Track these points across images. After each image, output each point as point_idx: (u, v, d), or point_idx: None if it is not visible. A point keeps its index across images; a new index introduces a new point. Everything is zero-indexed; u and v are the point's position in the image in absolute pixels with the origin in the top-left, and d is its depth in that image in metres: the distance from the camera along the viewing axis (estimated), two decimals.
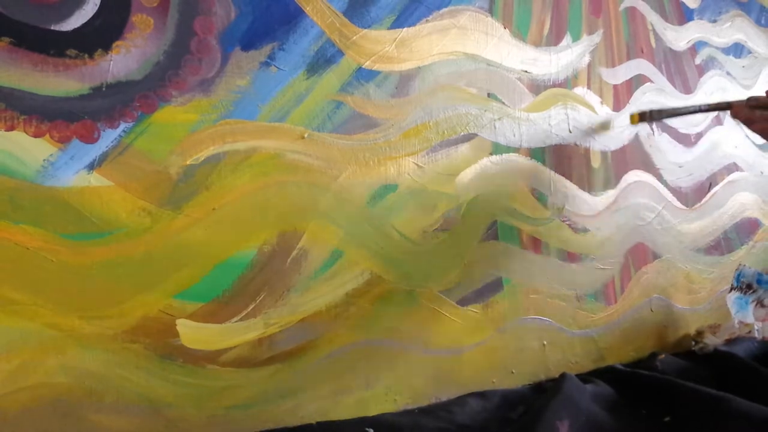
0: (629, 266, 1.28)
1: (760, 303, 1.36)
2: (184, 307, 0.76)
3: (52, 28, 0.71)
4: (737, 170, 1.57)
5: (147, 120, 0.76)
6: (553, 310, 1.13)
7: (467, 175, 1.04)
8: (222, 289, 0.79)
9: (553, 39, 1.21)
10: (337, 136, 0.90)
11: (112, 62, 0.74)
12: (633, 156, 1.32)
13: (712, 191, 1.49)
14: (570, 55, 1.23)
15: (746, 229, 1.56)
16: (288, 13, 0.87)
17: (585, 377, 1.08)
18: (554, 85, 1.19)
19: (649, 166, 1.35)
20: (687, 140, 1.46)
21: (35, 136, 0.69)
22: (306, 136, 0.87)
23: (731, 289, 1.36)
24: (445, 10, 1.04)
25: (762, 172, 1.63)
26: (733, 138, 1.58)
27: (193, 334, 0.77)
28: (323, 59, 0.90)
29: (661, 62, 1.43)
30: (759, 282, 1.37)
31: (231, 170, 0.81)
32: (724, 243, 1.50)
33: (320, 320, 0.86)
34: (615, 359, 1.21)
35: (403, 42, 0.98)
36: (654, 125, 1.36)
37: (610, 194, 1.26)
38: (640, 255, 1.30)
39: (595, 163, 1.25)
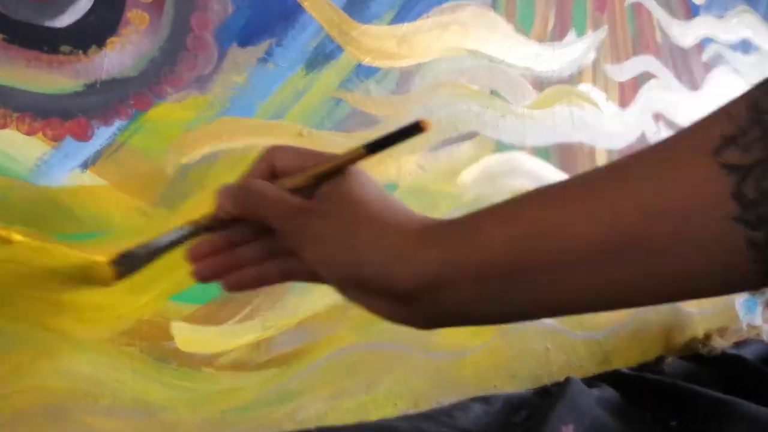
0: None
1: None
2: (180, 309, 0.75)
3: (45, 24, 0.69)
4: None
5: (142, 117, 0.74)
6: None
7: (469, 174, 1.02)
8: (219, 291, 0.78)
9: (557, 35, 1.19)
10: (336, 134, 0.89)
11: (106, 59, 0.72)
12: None
13: None
14: (574, 52, 1.21)
15: None
16: (286, 9, 0.86)
17: (590, 381, 1.06)
18: (558, 82, 1.17)
19: None
20: None
21: (28, 134, 0.68)
22: (304, 133, 0.86)
23: None
24: (446, 5, 1.02)
25: None
26: None
27: (188, 337, 0.75)
28: (322, 55, 0.88)
29: (667, 58, 1.41)
30: None
31: (228, 169, 0.79)
32: None
33: (319, 322, 0.85)
34: (620, 362, 1.19)
35: (404, 38, 0.97)
36: (658, 124, 1.34)
37: None
38: None
39: (601, 161, 1.23)
